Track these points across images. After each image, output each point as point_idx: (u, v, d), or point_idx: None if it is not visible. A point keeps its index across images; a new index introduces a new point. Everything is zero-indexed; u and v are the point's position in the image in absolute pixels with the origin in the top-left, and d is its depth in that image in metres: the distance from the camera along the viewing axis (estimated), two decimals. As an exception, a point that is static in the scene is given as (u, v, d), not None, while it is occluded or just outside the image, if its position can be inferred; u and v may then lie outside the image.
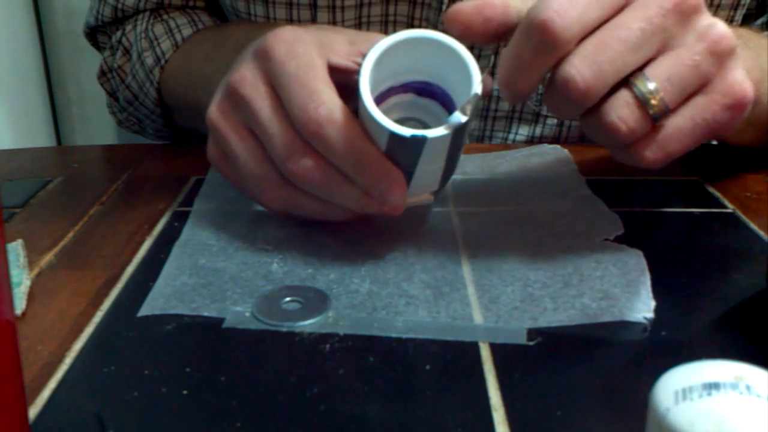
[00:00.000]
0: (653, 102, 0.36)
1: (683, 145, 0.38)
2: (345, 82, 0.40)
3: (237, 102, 0.41)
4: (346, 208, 0.41)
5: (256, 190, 0.42)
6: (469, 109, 0.37)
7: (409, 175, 0.39)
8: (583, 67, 0.35)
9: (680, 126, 0.38)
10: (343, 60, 0.40)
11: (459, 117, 0.37)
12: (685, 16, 0.36)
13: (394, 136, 0.37)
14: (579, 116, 0.38)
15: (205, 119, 0.43)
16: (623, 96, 0.37)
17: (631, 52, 0.36)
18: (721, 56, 0.37)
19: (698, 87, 0.37)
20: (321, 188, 0.40)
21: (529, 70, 0.37)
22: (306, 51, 0.40)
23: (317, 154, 0.39)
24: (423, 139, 0.37)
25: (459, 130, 0.38)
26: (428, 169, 0.40)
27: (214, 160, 0.44)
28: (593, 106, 0.37)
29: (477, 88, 0.37)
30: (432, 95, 0.41)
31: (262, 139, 0.41)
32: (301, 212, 0.43)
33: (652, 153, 0.38)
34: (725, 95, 0.37)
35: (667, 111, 0.37)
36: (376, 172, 0.38)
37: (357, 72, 0.40)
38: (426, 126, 0.41)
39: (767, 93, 0.47)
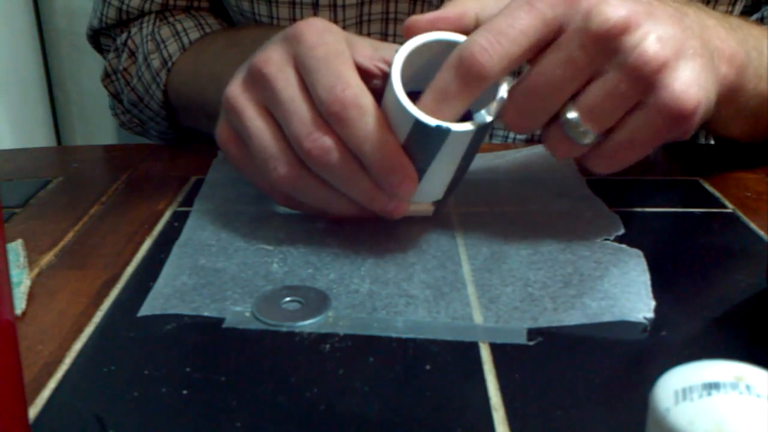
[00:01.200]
0: (580, 130, 0.38)
1: (627, 156, 0.40)
2: (365, 83, 0.40)
3: (259, 81, 0.41)
4: (349, 202, 0.41)
5: (265, 168, 0.41)
6: (494, 110, 0.38)
7: (422, 172, 0.40)
8: (516, 118, 0.39)
9: (621, 140, 0.39)
10: (366, 61, 0.41)
11: (484, 116, 0.38)
12: (607, 44, 0.37)
13: (418, 124, 0.37)
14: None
15: (222, 98, 0.42)
16: (553, 127, 0.39)
17: (557, 93, 0.38)
18: (649, 76, 0.37)
19: (630, 108, 0.38)
20: (333, 171, 0.40)
21: (455, 100, 0.37)
22: (336, 40, 0.40)
23: (336, 136, 0.39)
24: (447, 132, 0.37)
25: (481, 130, 0.38)
26: (441, 169, 0.40)
27: (223, 140, 0.44)
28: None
29: (504, 92, 0.38)
30: None
31: (281, 119, 0.40)
32: (305, 198, 0.42)
33: (600, 165, 0.40)
34: (661, 111, 0.37)
35: (593, 137, 0.39)
36: (392, 162, 0.39)
37: (378, 77, 0.40)
38: None
39: (753, 80, 0.47)
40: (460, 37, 0.39)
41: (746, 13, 0.62)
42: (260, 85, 0.41)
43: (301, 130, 0.39)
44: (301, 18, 0.59)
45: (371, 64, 0.40)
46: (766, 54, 0.48)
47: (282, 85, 0.40)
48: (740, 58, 0.44)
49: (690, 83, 0.37)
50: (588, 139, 0.39)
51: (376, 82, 0.41)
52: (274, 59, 0.41)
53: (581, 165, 0.41)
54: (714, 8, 0.59)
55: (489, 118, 0.38)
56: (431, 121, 0.37)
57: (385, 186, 0.39)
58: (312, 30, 0.40)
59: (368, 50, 0.41)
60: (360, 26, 0.60)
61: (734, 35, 0.44)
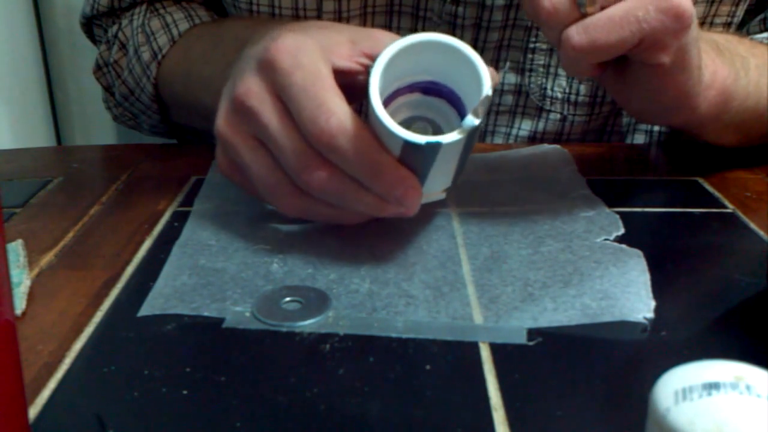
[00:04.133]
0: None
1: (608, 34, 0.39)
2: (350, 83, 0.40)
3: (245, 114, 0.41)
4: (360, 213, 0.41)
5: (272, 200, 0.42)
6: (481, 111, 0.38)
7: (423, 178, 0.40)
8: None
9: (611, 14, 0.39)
10: (346, 62, 0.40)
11: (472, 120, 0.38)
12: None
13: (408, 144, 0.37)
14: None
15: (214, 131, 0.43)
16: None
17: None
18: None
19: None
20: (337, 197, 0.40)
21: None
22: (311, 60, 0.39)
23: (330, 164, 0.39)
24: (438, 146, 0.37)
25: (472, 133, 0.38)
26: (442, 170, 0.40)
27: (225, 170, 0.44)
28: None
29: (488, 90, 0.38)
30: (438, 93, 0.41)
31: (273, 151, 0.40)
32: (318, 218, 0.43)
33: (578, 34, 0.39)
34: None
35: (594, 1, 0.38)
36: (391, 178, 0.39)
37: (361, 72, 0.40)
38: (434, 124, 0.41)
39: (740, 97, 0.49)
40: (437, 37, 0.38)
41: (750, 12, 0.62)
42: (247, 119, 0.41)
43: (296, 164, 0.39)
44: (304, 8, 0.59)
45: (351, 62, 0.40)
46: (752, 71, 0.50)
47: (267, 118, 0.40)
48: (728, 76, 0.47)
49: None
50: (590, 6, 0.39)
51: (360, 77, 0.40)
52: (254, 90, 0.40)
53: (551, 38, 0.41)
54: (718, 8, 0.60)
55: (477, 121, 0.38)
56: (420, 139, 0.37)
57: (390, 200, 0.39)
58: (284, 54, 0.39)
59: (346, 48, 0.41)
60: (364, 18, 0.59)
61: (722, 57, 0.47)
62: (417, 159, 0.38)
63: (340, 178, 0.39)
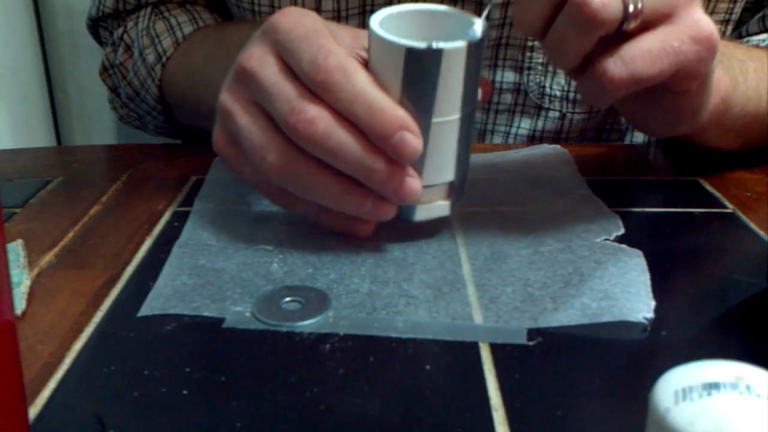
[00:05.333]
0: None
1: (648, 67, 0.38)
2: None
3: (245, 78, 0.41)
4: (348, 191, 0.39)
5: (255, 160, 0.40)
6: (484, 23, 0.37)
7: (424, 132, 0.38)
8: None
9: (648, 47, 0.38)
10: (347, 51, 0.40)
11: (476, 31, 0.37)
12: None
13: (410, 53, 0.36)
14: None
15: (216, 108, 0.42)
16: None
17: None
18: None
19: (667, 14, 0.39)
20: (323, 144, 0.38)
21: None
22: (313, 20, 0.40)
23: (323, 104, 0.38)
24: (439, 51, 0.36)
25: (475, 49, 0.37)
26: (447, 97, 0.38)
27: (219, 144, 0.43)
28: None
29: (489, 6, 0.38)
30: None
31: (267, 106, 0.39)
32: (301, 189, 0.40)
33: (617, 67, 0.38)
34: (692, 28, 0.39)
35: (638, 15, 0.38)
36: (388, 117, 0.37)
37: (360, 64, 0.40)
38: None
39: (739, 103, 0.49)
40: (433, 6, 0.39)
41: (747, 10, 0.62)
42: (247, 83, 0.41)
43: (285, 107, 0.38)
44: (303, 7, 0.59)
45: (352, 53, 0.40)
46: (750, 76, 0.51)
47: (265, 74, 0.39)
48: (727, 84, 0.47)
49: (710, 20, 0.40)
50: (634, 16, 0.38)
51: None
52: (255, 54, 0.40)
53: (586, 85, 0.40)
54: (716, 5, 0.60)
55: (479, 33, 0.37)
56: (421, 44, 0.36)
57: (386, 147, 0.37)
58: (288, 17, 0.40)
59: (348, 39, 0.41)
60: (363, 17, 0.60)
61: (721, 64, 0.46)
62: (419, 82, 0.37)
63: (329, 119, 0.37)
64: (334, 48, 0.38)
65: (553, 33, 0.39)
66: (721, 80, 0.46)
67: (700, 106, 0.44)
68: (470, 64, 0.38)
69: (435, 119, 0.38)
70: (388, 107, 0.37)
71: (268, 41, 0.40)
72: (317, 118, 0.37)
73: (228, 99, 0.42)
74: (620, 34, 0.38)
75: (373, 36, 0.38)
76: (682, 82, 0.41)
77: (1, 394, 0.24)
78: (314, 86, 0.38)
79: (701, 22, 0.39)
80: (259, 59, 0.40)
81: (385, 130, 0.37)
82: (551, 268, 0.40)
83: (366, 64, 0.39)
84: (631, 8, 0.37)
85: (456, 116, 0.39)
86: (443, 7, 0.40)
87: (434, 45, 0.36)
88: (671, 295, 0.38)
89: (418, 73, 0.37)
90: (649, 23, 0.38)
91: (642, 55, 0.38)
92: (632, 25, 0.38)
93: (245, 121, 0.40)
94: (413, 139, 0.37)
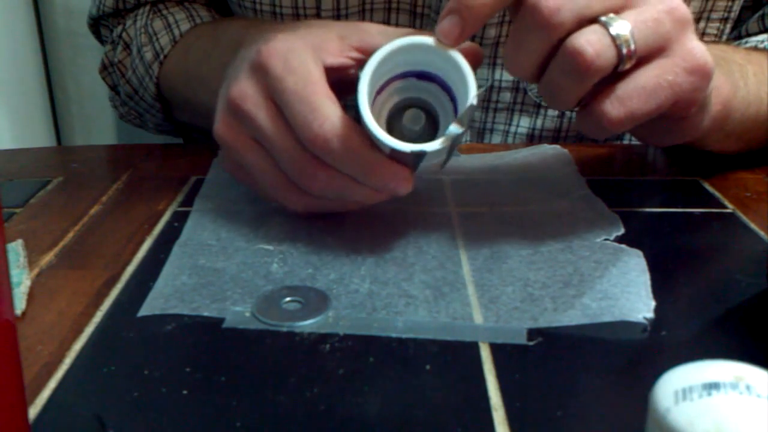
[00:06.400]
0: (624, 39, 0.38)
1: (645, 104, 0.39)
2: (342, 78, 0.42)
3: (241, 117, 0.42)
4: (365, 195, 0.43)
5: (278, 198, 0.44)
6: (466, 120, 0.39)
7: (413, 169, 0.41)
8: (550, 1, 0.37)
9: (643, 84, 0.39)
10: (336, 58, 0.42)
11: (457, 128, 0.38)
12: None
13: (395, 151, 0.38)
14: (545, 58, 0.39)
15: (213, 134, 0.44)
16: (594, 27, 0.38)
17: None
18: (680, 22, 0.39)
19: (660, 47, 0.39)
20: (336, 194, 0.42)
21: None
22: (301, 62, 0.40)
23: (327, 165, 0.40)
24: (422, 153, 0.38)
25: (455, 141, 0.39)
26: (431, 163, 0.42)
27: (231, 171, 0.46)
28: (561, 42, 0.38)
29: (473, 99, 0.38)
30: (431, 79, 0.41)
31: (271, 153, 0.42)
32: (324, 210, 0.45)
33: (614, 108, 0.39)
34: (685, 59, 0.39)
35: (632, 56, 0.38)
36: (383, 174, 0.40)
37: (352, 66, 0.41)
38: (428, 106, 0.42)
39: (740, 107, 0.49)
40: (426, 40, 0.39)
41: (747, 8, 0.62)
42: (243, 122, 0.42)
43: (294, 169, 0.41)
44: (303, 6, 0.59)
45: (341, 58, 0.42)
46: (750, 80, 0.51)
47: (263, 122, 0.41)
48: (727, 88, 0.47)
49: (704, 48, 0.40)
50: (628, 58, 0.38)
51: (351, 71, 0.42)
52: (248, 94, 0.41)
53: (584, 123, 0.41)
54: (714, 3, 0.60)
55: (461, 130, 0.38)
56: (406, 147, 0.38)
57: (384, 191, 0.41)
58: (275, 59, 0.41)
59: (335, 45, 0.42)
60: (362, 15, 0.60)
61: (720, 68, 0.46)
62: (406, 159, 0.40)
63: (337, 178, 0.41)
64: (326, 109, 0.39)
65: (548, 80, 0.40)
66: (721, 86, 0.46)
67: (699, 122, 0.45)
68: (453, 146, 0.40)
69: (421, 167, 0.41)
70: (381, 166, 0.40)
71: (258, 80, 0.41)
72: (327, 178, 0.41)
73: (227, 134, 0.43)
74: (616, 73, 0.39)
75: (361, 119, 0.39)
76: (680, 111, 0.41)
77: (1, 394, 0.24)
78: (314, 151, 0.40)
79: (695, 50, 0.39)
80: (253, 101, 0.41)
81: (381, 183, 0.40)
82: (551, 268, 0.40)
83: (358, 64, 0.41)
84: (624, 50, 0.38)
85: (444, 156, 0.42)
86: (442, 48, 0.39)
87: (416, 149, 0.38)
88: (671, 295, 0.38)
89: (404, 157, 0.39)
90: (644, 59, 0.39)
91: (638, 93, 0.39)
92: (627, 65, 0.39)
93: (251, 159, 0.43)
94: (406, 184, 0.40)
